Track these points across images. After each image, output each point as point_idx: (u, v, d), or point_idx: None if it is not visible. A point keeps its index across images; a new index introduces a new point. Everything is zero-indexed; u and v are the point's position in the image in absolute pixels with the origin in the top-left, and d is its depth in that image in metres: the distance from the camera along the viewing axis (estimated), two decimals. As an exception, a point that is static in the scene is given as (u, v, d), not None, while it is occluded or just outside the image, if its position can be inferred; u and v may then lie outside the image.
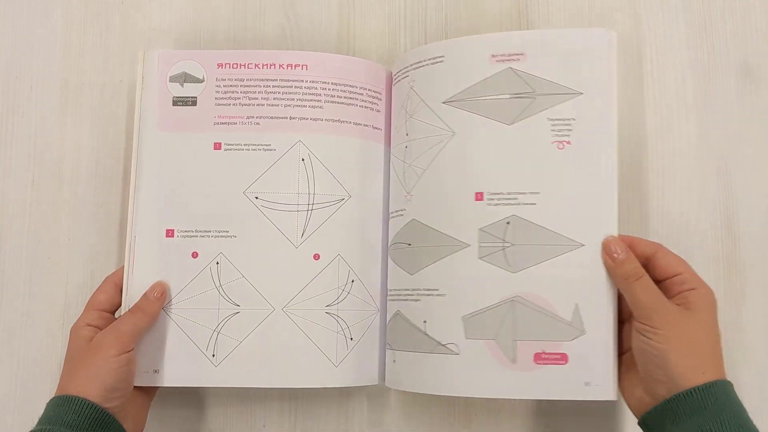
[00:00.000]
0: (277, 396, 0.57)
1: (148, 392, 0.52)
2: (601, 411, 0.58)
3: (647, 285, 0.47)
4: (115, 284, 0.52)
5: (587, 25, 0.63)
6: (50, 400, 0.47)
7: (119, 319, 0.50)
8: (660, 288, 0.48)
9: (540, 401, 0.58)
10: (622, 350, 0.50)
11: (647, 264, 0.48)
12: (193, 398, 0.56)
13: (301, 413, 0.57)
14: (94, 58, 0.60)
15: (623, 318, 0.50)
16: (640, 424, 0.47)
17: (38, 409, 0.55)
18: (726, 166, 0.61)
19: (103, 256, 0.57)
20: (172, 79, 0.54)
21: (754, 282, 0.60)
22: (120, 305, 0.53)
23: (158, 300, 0.51)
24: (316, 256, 0.53)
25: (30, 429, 0.45)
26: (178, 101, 0.54)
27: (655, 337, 0.45)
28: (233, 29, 0.61)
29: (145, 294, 0.51)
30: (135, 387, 0.50)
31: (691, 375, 0.44)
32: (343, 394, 0.57)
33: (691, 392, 0.43)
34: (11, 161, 0.58)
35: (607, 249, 0.48)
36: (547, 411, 0.58)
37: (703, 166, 0.61)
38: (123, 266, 0.53)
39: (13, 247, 0.57)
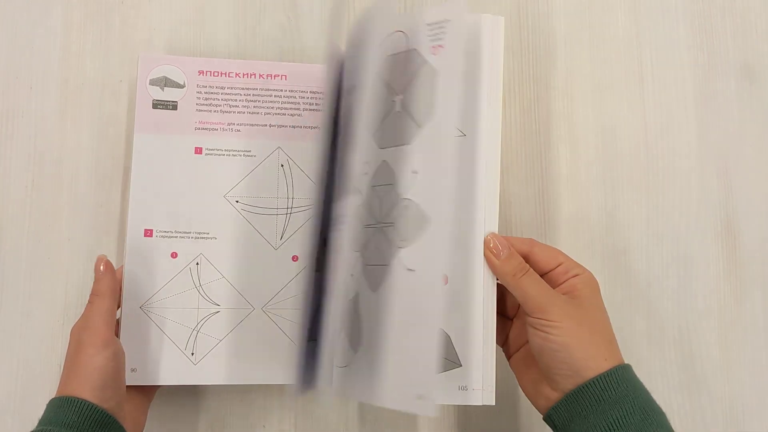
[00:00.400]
0: (277, 396, 0.57)
1: (146, 393, 0.52)
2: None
3: (535, 278, 0.45)
4: (116, 284, 0.52)
5: (588, 25, 0.63)
6: (50, 401, 0.46)
7: (83, 314, 0.49)
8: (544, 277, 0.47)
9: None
10: (512, 350, 0.50)
11: (527, 260, 0.47)
12: (193, 398, 0.56)
13: (301, 413, 0.57)
14: (94, 58, 0.60)
15: (508, 316, 0.50)
16: (545, 419, 0.46)
17: (38, 410, 0.55)
18: (726, 166, 0.61)
19: (103, 256, 0.57)
20: (152, 83, 0.55)
21: (754, 282, 0.60)
22: (119, 307, 0.53)
23: (105, 273, 0.49)
24: (294, 258, 0.54)
25: (31, 430, 0.45)
26: (158, 104, 0.55)
27: (554, 331, 0.43)
28: (233, 29, 0.61)
29: (95, 277, 0.50)
30: (132, 388, 0.50)
31: (593, 364, 0.43)
32: None
33: (594, 382, 0.42)
34: (11, 161, 0.58)
35: (488, 246, 0.46)
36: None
37: (703, 166, 0.61)
38: (120, 267, 0.54)
39: (13, 247, 0.57)
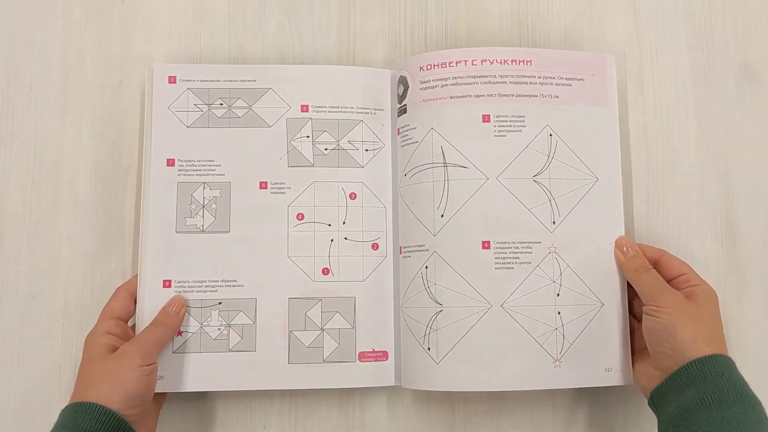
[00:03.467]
0: (278, 396, 0.57)
1: (157, 400, 0.53)
2: (599, 412, 0.58)
3: (654, 275, 0.52)
4: (129, 293, 0.54)
5: (588, 25, 0.63)
6: (66, 407, 0.47)
7: (143, 332, 0.52)
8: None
9: (542, 402, 0.58)
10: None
11: (654, 267, 0.53)
12: (193, 399, 0.56)
13: (301, 413, 0.57)
14: (94, 58, 0.60)
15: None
16: (649, 403, 0.50)
17: (38, 410, 0.55)
18: (726, 166, 0.61)
19: (103, 256, 0.57)
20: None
21: (754, 282, 0.60)
22: (133, 314, 0.54)
23: (177, 315, 0.53)
24: None
25: None
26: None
27: (662, 315, 0.49)
28: (233, 29, 0.61)
29: (163, 308, 0.53)
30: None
31: (694, 347, 0.47)
32: (343, 393, 0.57)
33: (694, 363, 0.46)
34: (11, 161, 0.58)
35: (619, 246, 0.54)
36: (547, 412, 0.58)
37: (703, 166, 0.61)
38: (135, 276, 0.54)
39: (13, 247, 0.57)
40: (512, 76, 0.56)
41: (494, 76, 0.56)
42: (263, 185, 0.56)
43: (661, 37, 0.63)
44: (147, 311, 0.53)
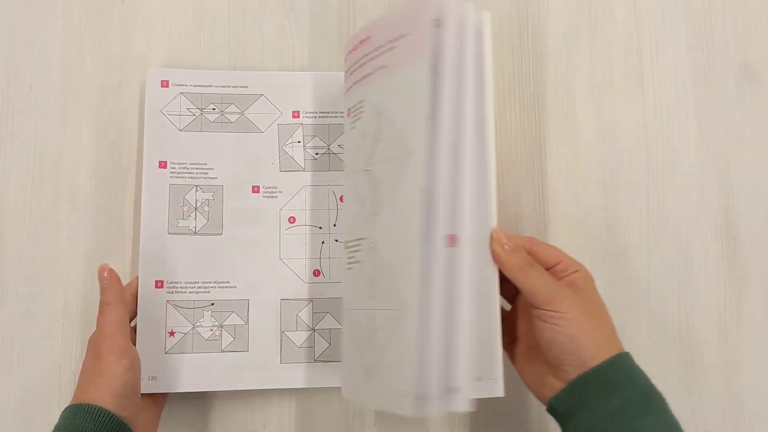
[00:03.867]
0: (277, 395, 0.57)
1: (158, 402, 0.53)
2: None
3: (541, 271, 0.46)
4: (131, 295, 0.53)
5: (588, 25, 0.63)
6: (66, 409, 0.47)
7: (97, 325, 0.50)
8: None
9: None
10: (512, 343, 0.50)
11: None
12: (193, 399, 0.56)
13: (301, 413, 0.57)
14: (94, 58, 0.60)
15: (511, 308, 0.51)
16: (548, 410, 0.46)
17: (38, 410, 0.55)
18: (726, 166, 0.61)
19: (103, 256, 0.57)
20: None
21: (754, 282, 0.60)
22: (135, 314, 0.54)
23: (111, 282, 0.50)
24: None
25: None
26: None
27: (563, 323, 0.44)
28: (234, 28, 0.61)
29: (100, 287, 0.50)
30: (145, 397, 0.51)
31: (598, 353, 0.44)
32: None
33: (595, 369, 0.43)
34: (11, 161, 0.58)
35: (497, 241, 0.46)
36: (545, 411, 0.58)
37: (703, 166, 0.61)
38: (136, 277, 0.54)
39: (13, 247, 0.57)
40: (357, 62, 0.49)
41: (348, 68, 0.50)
42: (255, 189, 0.57)
43: (661, 37, 0.63)
44: (140, 312, 0.54)
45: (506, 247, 0.46)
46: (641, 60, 0.62)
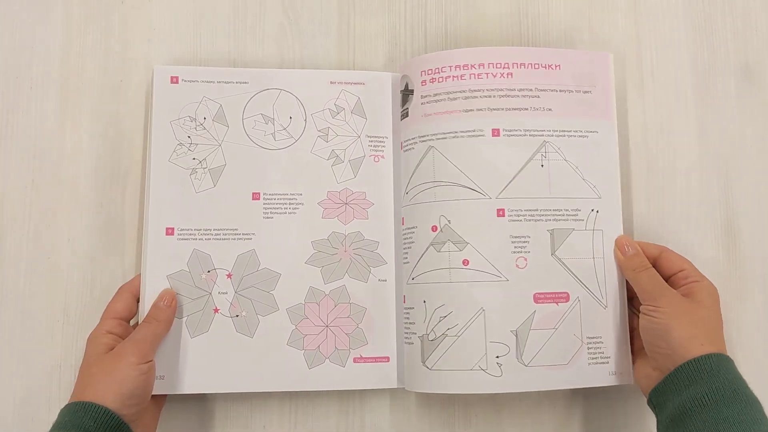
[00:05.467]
0: (277, 396, 0.57)
1: (158, 401, 0.53)
2: (599, 412, 0.58)
3: (653, 275, 0.52)
4: (131, 293, 0.54)
5: (588, 25, 0.63)
6: (65, 406, 0.47)
7: (137, 330, 0.51)
8: (669, 282, 0.52)
9: (540, 401, 0.58)
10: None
11: (654, 264, 0.53)
12: (193, 399, 0.56)
13: (301, 413, 0.57)
14: (94, 58, 0.60)
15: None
16: (648, 402, 0.50)
17: (38, 410, 0.55)
18: (726, 166, 0.61)
19: (103, 256, 0.57)
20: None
21: (754, 282, 0.60)
22: (136, 314, 0.54)
23: (168, 308, 0.53)
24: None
25: None
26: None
27: (658, 315, 0.49)
28: (233, 29, 0.61)
29: (154, 303, 0.53)
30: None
31: (690, 346, 0.47)
32: (343, 394, 0.57)
33: (690, 362, 0.46)
34: (11, 161, 0.58)
35: (619, 245, 0.54)
36: (548, 411, 0.58)
37: (703, 166, 0.61)
38: (138, 275, 0.54)
39: (13, 247, 0.57)
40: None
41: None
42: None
43: (661, 37, 0.63)
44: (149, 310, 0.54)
45: (627, 249, 0.53)
46: (641, 60, 0.62)
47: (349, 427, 0.57)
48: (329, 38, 0.61)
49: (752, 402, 0.45)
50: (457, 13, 0.62)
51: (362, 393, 0.57)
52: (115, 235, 0.58)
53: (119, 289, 0.54)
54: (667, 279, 0.52)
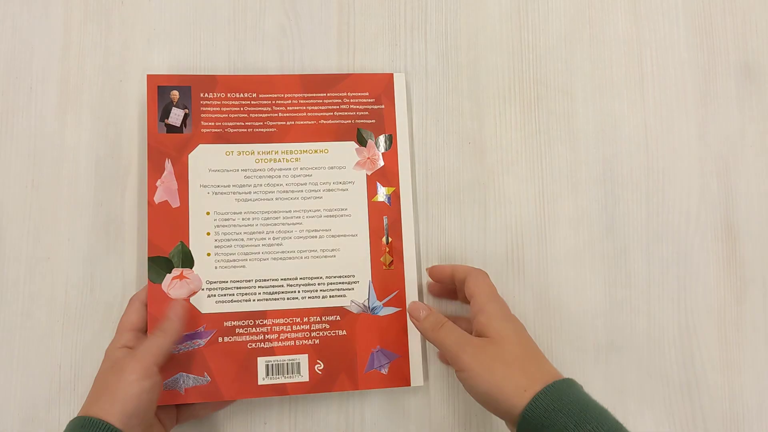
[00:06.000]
0: (277, 396, 0.57)
1: (169, 413, 0.52)
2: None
3: (449, 329, 0.49)
4: (142, 303, 0.53)
5: (588, 25, 0.63)
6: (72, 420, 0.46)
7: (141, 343, 0.49)
8: (469, 318, 0.50)
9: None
10: None
11: (453, 279, 0.54)
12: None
13: (301, 413, 0.57)
14: (94, 58, 0.60)
15: None
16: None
17: (38, 410, 0.55)
18: (726, 166, 0.61)
19: (103, 256, 0.57)
20: None
21: (754, 282, 0.60)
22: (145, 323, 0.53)
23: (178, 321, 0.51)
24: None
25: None
26: None
27: (471, 379, 0.45)
28: (233, 29, 0.61)
29: (166, 315, 0.51)
30: (160, 410, 0.50)
31: (517, 401, 0.43)
32: (343, 394, 0.57)
33: (524, 419, 0.43)
34: (11, 161, 0.58)
35: (413, 314, 0.52)
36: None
37: (703, 166, 0.61)
38: (145, 286, 0.53)
39: (13, 247, 0.57)
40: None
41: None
42: None
43: (661, 37, 0.63)
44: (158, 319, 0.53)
45: (420, 313, 0.51)
46: (641, 60, 0.62)
47: (349, 425, 0.57)
48: (329, 38, 0.61)
49: (603, 412, 0.43)
50: (457, 14, 0.62)
51: (360, 392, 0.57)
52: (115, 235, 0.58)
53: (131, 300, 0.53)
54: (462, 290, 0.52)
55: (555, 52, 0.62)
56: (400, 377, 0.55)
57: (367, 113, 0.58)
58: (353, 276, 0.56)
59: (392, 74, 0.59)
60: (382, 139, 0.58)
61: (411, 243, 0.57)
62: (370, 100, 0.58)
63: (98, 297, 0.57)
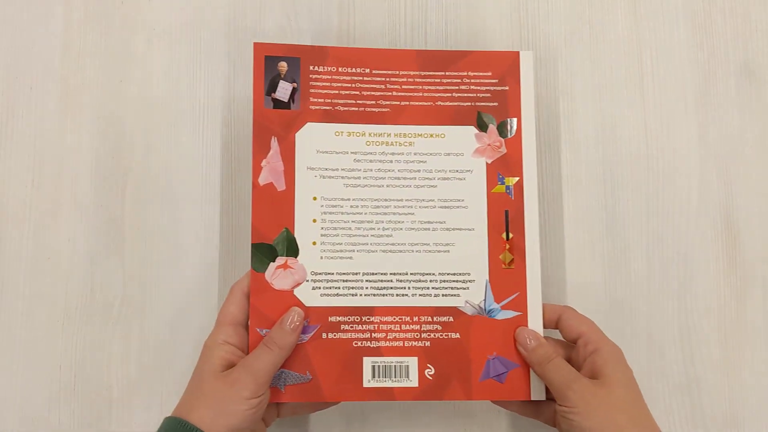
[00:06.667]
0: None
1: (270, 413, 0.50)
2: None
3: (558, 365, 0.47)
4: (243, 293, 0.50)
5: (588, 25, 0.63)
6: (170, 419, 0.44)
7: (254, 356, 0.46)
8: (574, 352, 0.49)
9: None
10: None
11: (557, 325, 0.51)
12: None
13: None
14: (94, 58, 0.60)
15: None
16: None
17: (38, 410, 0.55)
18: (726, 166, 0.61)
19: (103, 256, 0.57)
20: None
21: (754, 282, 0.60)
22: (247, 316, 0.50)
23: (294, 332, 0.48)
24: None
25: None
26: None
27: (575, 417, 0.45)
28: (233, 29, 0.61)
29: (279, 324, 0.48)
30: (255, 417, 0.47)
31: None
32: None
33: None
34: (11, 161, 0.58)
35: (520, 342, 0.49)
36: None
37: (703, 166, 0.61)
38: (248, 272, 0.51)
39: (13, 247, 0.57)
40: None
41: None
42: None
43: (661, 37, 0.63)
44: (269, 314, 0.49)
45: (529, 342, 0.49)
46: (641, 60, 0.62)
47: (349, 426, 0.57)
48: (329, 39, 0.61)
49: None
50: (457, 14, 0.62)
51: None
52: (115, 235, 0.58)
53: (231, 289, 0.50)
54: (573, 346, 0.50)
55: (555, 52, 0.62)
56: (519, 389, 0.50)
57: (489, 95, 0.53)
58: (469, 274, 0.51)
59: (518, 52, 0.54)
60: (506, 123, 0.53)
61: (535, 240, 0.52)
62: (492, 81, 0.53)
63: (98, 297, 0.57)
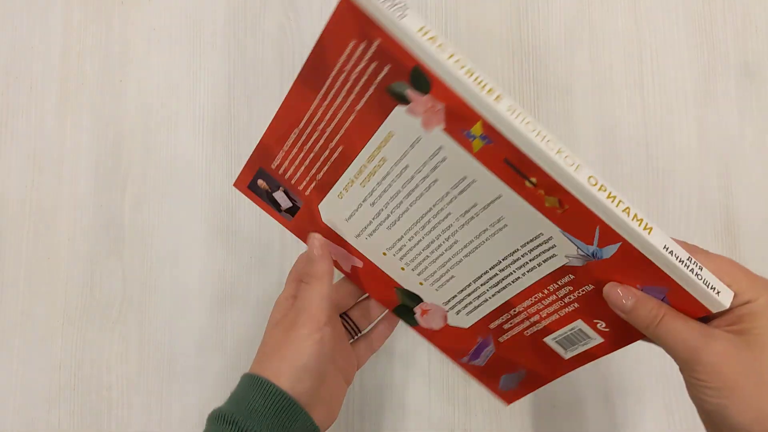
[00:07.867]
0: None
1: (347, 376, 0.48)
2: (599, 411, 0.58)
3: (674, 325, 0.36)
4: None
5: (588, 25, 0.63)
6: (245, 376, 0.44)
7: (301, 296, 0.46)
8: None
9: (539, 404, 0.58)
10: None
11: None
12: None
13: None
14: (93, 58, 0.60)
15: None
16: None
17: (38, 410, 0.55)
18: (726, 166, 0.61)
19: (103, 256, 0.57)
20: None
21: (754, 282, 0.60)
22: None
23: (323, 259, 0.46)
24: None
25: (219, 407, 0.42)
26: None
27: (708, 391, 0.35)
28: (233, 28, 0.61)
29: (303, 257, 0.47)
30: (335, 371, 0.47)
31: (758, 428, 0.33)
32: None
33: None
34: (11, 161, 0.58)
35: (613, 299, 0.39)
36: (546, 411, 0.58)
37: (703, 166, 0.61)
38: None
39: (13, 247, 0.57)
40: None
41: None
42: None
43: (661, 37, 0.63)
44: None
45: (624, 301, 0.38)
46: (641, 60, 0.62)
47: (349, 426, 0.57)
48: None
49: None
50: (457, 14, 0.62)
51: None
52: (114, 235, 0.58)
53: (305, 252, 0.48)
54: None
55: (555, 52, 0.62)
56: (692, 306, 0.39)
57: (375, 63, 0.42)
58: (541, 234, 0.43)
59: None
60: (416, 76, 0.40)
61: (561, 168, 0.41)
62: (362, 47, 0.42)
63: (98, 297, 0.57)
